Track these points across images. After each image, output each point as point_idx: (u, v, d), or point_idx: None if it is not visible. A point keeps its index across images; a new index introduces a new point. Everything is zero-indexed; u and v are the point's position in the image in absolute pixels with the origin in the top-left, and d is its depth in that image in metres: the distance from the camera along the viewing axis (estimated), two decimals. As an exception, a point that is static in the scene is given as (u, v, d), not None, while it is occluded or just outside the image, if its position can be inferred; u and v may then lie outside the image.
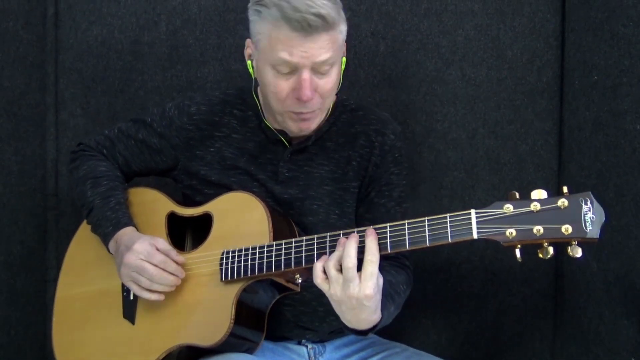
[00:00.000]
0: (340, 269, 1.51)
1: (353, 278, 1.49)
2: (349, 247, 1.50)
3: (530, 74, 2.29)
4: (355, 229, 1.57)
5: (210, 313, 1.71)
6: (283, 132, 1.85)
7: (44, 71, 2.36)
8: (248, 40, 1.79)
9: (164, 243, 1.76)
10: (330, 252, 1.58)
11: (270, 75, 1.72)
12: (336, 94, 1.84)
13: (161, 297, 1.75)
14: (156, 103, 2.34)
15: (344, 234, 1.57)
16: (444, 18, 2.30)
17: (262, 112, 1.88)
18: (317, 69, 1.69)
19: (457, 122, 2.32)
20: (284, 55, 1.66)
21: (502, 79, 2.30)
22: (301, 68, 1.68)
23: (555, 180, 2.31)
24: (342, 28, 1.73)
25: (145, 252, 1.72)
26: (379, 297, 1.54)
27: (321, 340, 1.89)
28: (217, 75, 2.35)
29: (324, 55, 1.67)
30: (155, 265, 1.72)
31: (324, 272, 1.53)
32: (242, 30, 2.32)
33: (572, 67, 2.23)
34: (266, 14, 1.66)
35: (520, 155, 2.31)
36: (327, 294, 1.55)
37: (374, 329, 1.61)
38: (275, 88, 1.72)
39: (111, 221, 1.83)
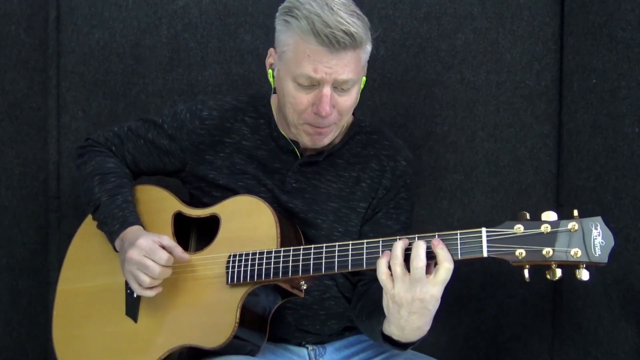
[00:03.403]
0: (407, 269, 1.48)
1: (421, 279, 1.46)
2: (419, 248, 1.47)
3: (529, 77, 2.30)
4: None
5: (214, 315, 1.70)
6: (296, 142, 1.83)
7: (45, 74, 2.36)
8: (271, 50, 1.78)
9: (169, 240, 1.73)
10: (339, 261, 1.59)
11: (291, 87, 1.71)
12: (352, 112, 1.84)
13: (159, 290, 1.72)
14: (157, 106, 2.35)
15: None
16: (443, 22, 2.31)
17: (275, 121, 1.87)
18: (339, 86, 1.69)
19: (456, 125, 2.33)
20: (308, 70, 1.66)
21: (501, 82, 2.31)
22: (323, 83, 1.68)
23: (554, 183, 2.32)
24: (368, 48, 1.73)
25: (148, 248, 1.69)
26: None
27: (321, 341, 1.90)
28: (217, 78, 2.36)
29: (348, 74, 1.68)
30: (156, 262, 1.69)
31: (389, 267, 1.50)
32: (242, 34, 2.32)
33: (571, 70, 2.24)
34: (295, 25, 1.66)
35: (519, 158, 2.32)
36: (388, 294, 1.51)
37: (415, 344, 1.59)
38: (295, 100, 1.72)
39: (118, 219, 1.80)
